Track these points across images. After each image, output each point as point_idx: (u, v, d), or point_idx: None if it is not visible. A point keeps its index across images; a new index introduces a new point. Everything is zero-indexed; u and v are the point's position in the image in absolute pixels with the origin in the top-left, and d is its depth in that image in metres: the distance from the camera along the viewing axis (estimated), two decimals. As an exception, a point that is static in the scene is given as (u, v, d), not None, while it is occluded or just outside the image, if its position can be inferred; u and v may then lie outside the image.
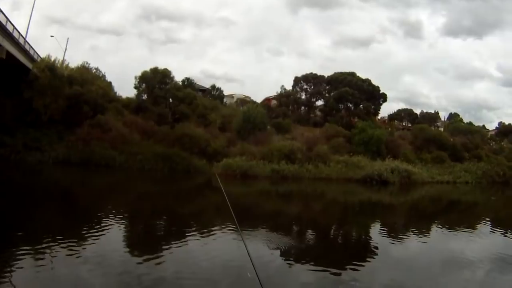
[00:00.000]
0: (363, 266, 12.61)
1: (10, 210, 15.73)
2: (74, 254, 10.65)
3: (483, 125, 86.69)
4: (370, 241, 17.60)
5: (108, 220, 15.31)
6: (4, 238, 11.69)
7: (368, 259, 13.79)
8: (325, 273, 11.33)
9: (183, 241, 13.36)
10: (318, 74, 66.58)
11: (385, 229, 20.25)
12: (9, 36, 30.78)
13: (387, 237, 17.87)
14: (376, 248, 15.71)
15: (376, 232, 19.54)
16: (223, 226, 15.77)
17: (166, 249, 12.24)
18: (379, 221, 23.32)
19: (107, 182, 30.74)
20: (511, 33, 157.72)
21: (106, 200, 22.56)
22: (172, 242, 12.96)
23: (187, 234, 14.31)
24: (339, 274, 11.29)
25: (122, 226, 15.22)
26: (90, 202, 21.07)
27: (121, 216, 16.82)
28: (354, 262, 12.61)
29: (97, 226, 14.05)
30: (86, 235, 12.70)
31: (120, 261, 10.61)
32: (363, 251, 15.15)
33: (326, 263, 12.36)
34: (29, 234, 12.17)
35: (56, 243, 11.35)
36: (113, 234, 13.30)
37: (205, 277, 9.88)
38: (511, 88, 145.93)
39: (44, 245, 11.13)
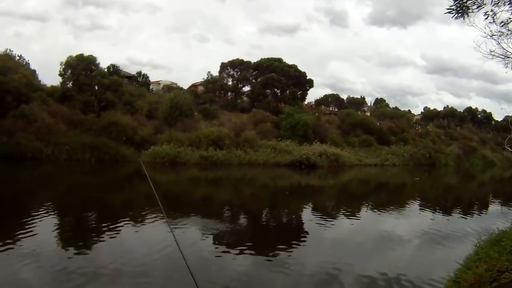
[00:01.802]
0: (297, 248, 13.07)
1: None
2: (7, 249, 10.59)
3: (409, 110, 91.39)
4: (302, 223, 18.14)
5: (37, 215, 14.92)
6: None
7: (301, 241, 14.33)
8: (258, 257, 11.64)
9: (115, 232, 13.34)
10: (245, 60, 67.29)
11: (316, 211, 21.04)
12: None
13: (319, 219, 18.35)
14: (308, 229, 16.25)
15: (307, 214, 20.16)
16: (154, 215, 15.69)
17: (99, 241, 12.29)
18: (310, 203, 23.97)
19: (34, 175, 29.87)
20: (435, 24, 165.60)
21: (34, 194, 21.98)
22: (105, 234, 12.98)
23: (119, 225, 14.30)
24: (273, 257, 11.57)
25: (52, 220, 14.97)
26: (17, 197, 20.28)
27: (50, 210, 16.50)
28: (287, 245, 13.03)
29: (27, 222, 13.69)
30: (16, 231, 12.34)
31: (54, 255, 10.49)
32: (296, 234, 15.64)
33: (259, 247, 12.73)
34: None
35: None
36: (43, 229, 12.96)
37: (140, 266, 9.95)
38: (435, 75, 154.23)
39: None
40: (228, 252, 12.00)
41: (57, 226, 14.18)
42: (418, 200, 27.39)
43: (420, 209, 23.12)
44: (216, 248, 12.48)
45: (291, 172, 41.04)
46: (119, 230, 13.69)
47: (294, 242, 13.68)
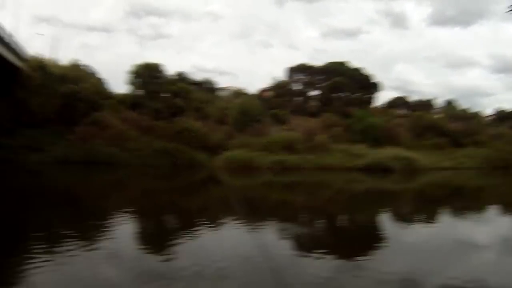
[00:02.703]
0: (374, 252, 12.67)
1: (16, 213, 15.50)
2: (88, 251, 10.52)
3: (480, 111, 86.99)
4: (379, 227, 17.63)
5: (116, 218, 15.37)
6: (14, 238, 11.68)
7: (378, 245, 13.82)
8: (336, 261, 11.32)
9: (195, 235, 13.27)
10: (311, 64, 66.04)
11: (393, 215, 20.48)
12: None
13: (396, 223, 18.13)
14: (386, 234, 15.81)
15: (384, 218, 19.58)
16: (232, 218, 15.91)
17: (178, 243, 12.19)
18: (386, 208, 23.15)
19: (109, 179, 30.30)
20: (497, 22, 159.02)
21: (111, 198, 22.38)
22: (183, 237, 12.99)
23: (197, 229, 14.20)
24: (351, 262, 11.23)
25: (131, 223, 15.16)
26: (95, 201, 20.80)
27: (128, 213, 16.77)
28: (365, 249, 12.68)
29: (106, 225, 14.09)
30: (96, 234, 12.61)
31: (134, 257, 10.58)
32: (373, 238, 15.04)
33: (336, 251, 12.39)
34: (40, 233, 12.16)
35: (68, 243, 11.02)
36: (123, 232, 13.12)
37: (220, 269, 9.70)
38: (502, 75, 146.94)
39: (55, 246, 10.81)
40: (305, 255, 11.80)
41: (136, 229, 14.51)
42: (497, 205, 25.57)
43: (500, 214, 21.87)
44: (293, 251, 12.34)
45: (364, 176, 39.77)
46: (198, 233, 13.59)
47: (371, 247, 13.38)
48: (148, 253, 11.15)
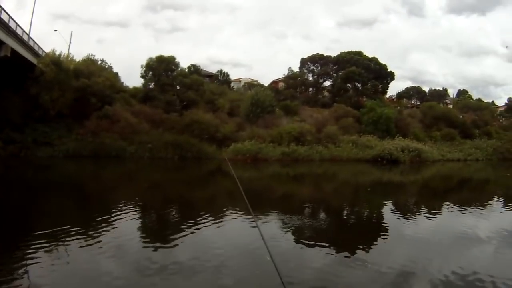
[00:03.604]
0: (376, 245, 12.79)
1: (24, 205, 15.97)
2: (91, 244, 10.78)
3: (492, 101, 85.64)
4: (382, 220, 17.64)
5: (122, 210, 15.37)
6: (21, 232, 11.87)
7: (380, 238, 13.96)
8: (338, 254, 11.41)
9: (198, 227, 13.38)
10: (325, 55, 65.93)
11: (397, 208, 20.36)
12: (12, 33, 30.79)
13: (399, 216, 17.93)
14: (388, 227, 15.87)
15: (388, 211, 19.62)
16: (236, 210, 15.91)
17: (182, 235, 12.30)
18: (391, 200, 23.19)
19: (118, 172, 30.77)
20: None
21: (119, 190, 22.73)
22: (187, 228, 13.04)
23: (201, 220, 14.34)
24: (352, 254, 11.26)
25: (137, 215, 15.30)
26: (103, 194, 21.18)
27: (135, 206, 16.92)
28: (367, 242, 12.74)
29: (112, 216, 14.15)
30: (102, 225, 12.81)
31: (138, 249, 10.79)
32: (376, 231, 15.16)
33: (339, 244, 12.47)
34: (46, 228, 12.18)
35: (74, 234, 11.44)
36: (128, 224, 13.41)
37: (222, 260, 9.96)
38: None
39: (61, 237, 11.23)
40: (308, 247, 11.98)
41: (141, 221, 14.69)
42: (503, 197, 25.35)
43: (504, 207, 21.70)
44: (296, 243, 12.49)
45: (372, 168, 40.11)
46: (202, 225, 13.73)
47: (373, 240, 13.50)
48: (151, 245, 11.21)
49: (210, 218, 14.78)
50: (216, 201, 20.33)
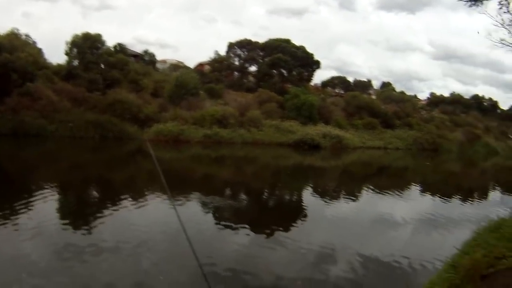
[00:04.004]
0: (295, 227, 13.46)
1: None
2: (7, 226, 10.68)
3: (415, 95, 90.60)
4: (302, 203, 18.49)
5: (40, 191, 14.96)
6: None
7: (300, 220, 14.72)
8: (257, 235, 11.94)
9: (118, 208, 13.51)
10: (253, 40, 66.51)
11: (317, 192, 21.37)
12: None
13: (319, 199, 19.00)
14: (308, 209, 16.62)
15: (308, 194, 20.54)
16: (157, 192, 15.92)
17: (102, 217, 12.34)
18: (311, 184, 24.33)
19: (38, 152, 29.93)
20: (443, 10, 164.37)
21: (37, 171, 22.23)
22: (108, 210, 13.10)
23: (122, 201, 14.46)
24: (271, 235, 11.86)
25: (56, 196, 15.03)
26: (20, 174, 20.67)
27: (54, 186, 16.57)
28: (286, 223, 13.47)
29: (30, 198, 13.79)
30: (18, 207, 12.48)
31: (57, 231, 10.67)
32: (295, 213, 15.93)
33: (258, 225, 13.04)
34: None
35: None
36: (46, 205, 13.21)
37: (142, 241, 10.18)
38: (442, 62, 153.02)
39: None
40: (228, 228, 12.28)
41: (60, 202, 14.36)
42: (419, 184, 27.43)
43: (421, 193, 23.41)
44: (216, 224, 12.82)
45: (294, 152, 41.28)
46: (122, 206, 13.87)
47: (293, 221, 14.03)
48: (70, 227, 11.05)
49: (130, 199, 14.94)
50: (137, 182, 20.41)
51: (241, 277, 8.76)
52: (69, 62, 45.80)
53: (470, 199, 22.34)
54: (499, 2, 9.58)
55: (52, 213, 12.42)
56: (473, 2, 9.41)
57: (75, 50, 46.01)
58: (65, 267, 8.46)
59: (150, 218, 12.60)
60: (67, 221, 11.71)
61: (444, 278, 7.31)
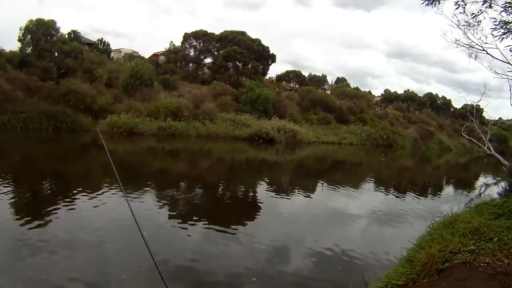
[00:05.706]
0: (250, 221, 13.53)
1: None
2: None
3: (369, 91, 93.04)
4: (256, 197, 18.44)
5: None
6: None
7: (254, 214, 14.79)
8: (211, 230, 11.78)
9: (71, 203, 13.11)
10: (209, 32, 66.89)
11: (271, 186, 21.24)
12: None
13: (273, 193, 18.72)
14: (262, 204, 16.63)
15: (262, 189, 20.43)
16: (111, 185, 15.62)
17: (55, 212, 12.01)
18: (265, 178, 24.40)
19: None
20: (398, 10, 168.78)
21: None
22: (61, 205, 12.72)
23: (76, 195, 14.16)
24: (226, 230, 11.82)
25: (6, 190, 14.20)
26: None
27: (5, 180, 15.95)
28: (240, 218, 13.55)
29: None
30: None
31: (7, 226, 10.40)
32: (249, 207, 16.00)
33: (212, 219, 12.84)
34: None
35: None
36: None
37: (94, 237, 10.07)
38: (395, 59, 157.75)
39: None
40: (182, 223, 12.17)
41: (12, 197, 13.65)
42: (374, 179, 28.24)
43: (375, 188, 24.05)
44: (170, 219, 12.72)
45: (248, 146, 41.71)
46: (76, 201, 13.54)
47: (247, 216, 14.25)
48: (20, 222, 10.72)
49: (85, 193, 14.64)
50: (91, 175, 20.03)
51: (196, 273, 8.73)
52: (21, 49, 44.96)
53: (424, 194, 22.96)
54: (456, 2, 10.12)
55: (3, 208, 12.01)
56: (430, 1, 9.94)
57: (28, 36, 45.20)
58: (22, 264, 8.31)
59: (105, 212, 12.48)
60: (19, 216, 11.36)
61: (400, 272, 7.46)
